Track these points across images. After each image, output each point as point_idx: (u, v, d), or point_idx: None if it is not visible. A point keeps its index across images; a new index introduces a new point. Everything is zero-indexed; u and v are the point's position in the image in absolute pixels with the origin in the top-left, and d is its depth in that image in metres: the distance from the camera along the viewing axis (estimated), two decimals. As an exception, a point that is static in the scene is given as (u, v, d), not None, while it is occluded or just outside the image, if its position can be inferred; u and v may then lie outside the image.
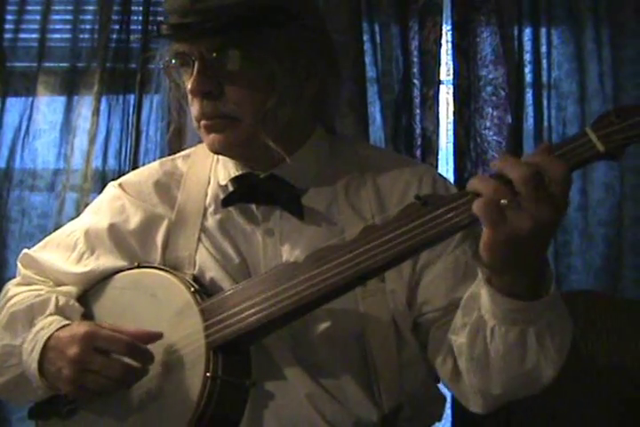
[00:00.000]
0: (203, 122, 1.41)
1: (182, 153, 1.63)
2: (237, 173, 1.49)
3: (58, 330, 1.34)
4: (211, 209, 1.50)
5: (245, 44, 1.35)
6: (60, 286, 1.52)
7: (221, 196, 1.50)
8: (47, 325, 1.37)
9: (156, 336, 1.33)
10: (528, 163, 1.07)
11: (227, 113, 1.38)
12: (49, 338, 1.34)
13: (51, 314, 1.41)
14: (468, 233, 1.38)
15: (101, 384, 1.29)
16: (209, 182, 1.54)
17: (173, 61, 1.41)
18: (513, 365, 1.26)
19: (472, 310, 1.28)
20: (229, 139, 1.41)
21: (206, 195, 1.52)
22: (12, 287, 1.55)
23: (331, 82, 1.47)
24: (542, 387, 1.31)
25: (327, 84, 1.46)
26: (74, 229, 1.56)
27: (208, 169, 1.55)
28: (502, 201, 1.06)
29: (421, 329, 1.45)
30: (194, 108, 1.41)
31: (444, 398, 1.59)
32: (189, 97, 1.42)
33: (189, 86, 1.38)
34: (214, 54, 1.36)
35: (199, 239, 1.47)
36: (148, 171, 1.61)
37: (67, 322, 1.37)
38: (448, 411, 2.19)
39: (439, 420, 1.57)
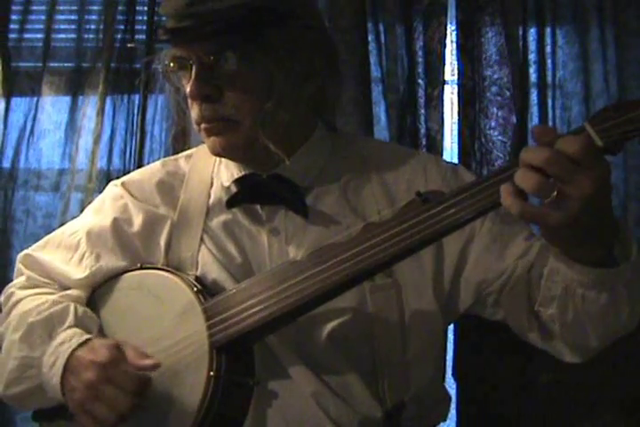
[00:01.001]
0: (203, 125, 1.41)
1: (185, 153, 1.63)
2: (240, 174, 1.49)
3: (80, 346, 1.34)
4: (214, 210, 1.50)
5: (242, 47, 1.35)
6: (64, 288, 1.51)
7: (225, 197, 1.50)
8: (68, 339, 1.37)
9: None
10: (542, 147, 1.07)
11: (226, 116, 1.38)
12: (70, 355, 1.33)
13: (70, 326, 1.41)
14: None
15: (104, 415, 1.28)
16: (212, 183, 1.54)
17: (172, 65, 1.41)
18: (608, 321, 1.28)
19: (555, 283, 1.28)
20: (230, 141, 1.41)
21: (209, 196, 1.52)
22: (16, 291, 1.54)
23: (330, 81, 1.47)
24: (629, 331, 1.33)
25: (327, 83, 1.46)
26: (76, 230, 1.56)
27: (210, 169, 1.55)
28: (545, 200, 1.06)
29: (489, 304, 1.48)
30: (193, 111, 1.41)
31: (450, 398, 1.60)
32: (189, 100, 1.42)
33: (188, 90, 1.38)
34: (211, 58, 1.35)
35: (202, 240, 1.47)
36: (151, 170, 1.61)
37: (87, 336, 1.37)
38: (453, 411, 2.19)
39: (444, 420, 1.57)
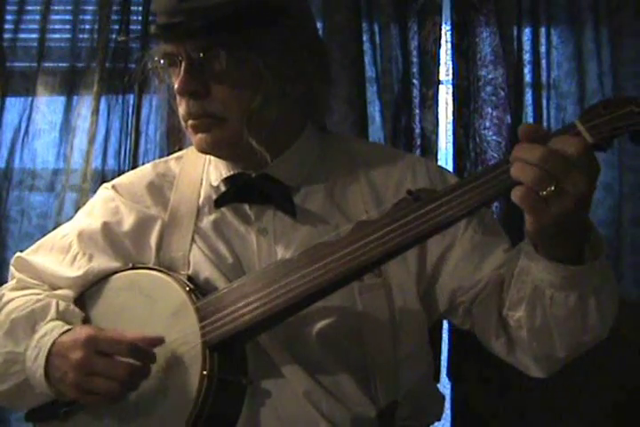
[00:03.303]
0: (190, 122, 1.42)
1: (175, 155, 1.64)
2: (229, 174, 1.50)
3: (60, 335, 1.34)
4: (204, 210, 1.51)
5: (232, 44, 1.36)
6: (55, 289, 1.51)
7: (214, 196, 1.50)
8: (49, 330, 1.37)
9: (157, 341, 1.33)
10: (539, 146, 1.08)
11: (213, 112, 1.39)
12: (52, 344, 1.33)
13: (52, 319, 1.41)
14: None
15: (106, 386, 1.28)
16: (201, 183, 1.54)
17: (162, 62, 1.42)
18: (576, 327, 1.28)
19: (525, 283, 1.29)
20: (216, 138, 1.42)
21: (199, 196, 1.53)
22: (6, 292, 1.54)
23: (320, 82, 1.47)
24: (599, 340, 1.34)
25: (316, 84, 1.46)
26: (67, 232, 1.56)
27: (200, 170, 1.56)
28: (542, 193, 1.07)
29: (460, 312, 1.49)
30: (181, 107, 1.42)
31: (443, 398, 1.60)
32: (177, 97, 1.42)
33: (176, 86, 1.39)
34: (201, 54, 1.36)
35: (193, 240, 1.48)
36: (141, 173, 1.62)
37: (68, 327, 1.37)
38: (448, 411, 2.19)
39: (438, 419, 1.58)
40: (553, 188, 1.06)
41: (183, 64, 1.38)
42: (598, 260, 1.21)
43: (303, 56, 1.41)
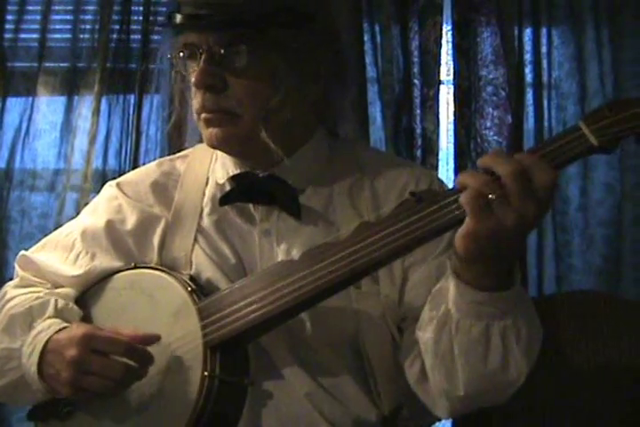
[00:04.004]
0: (203, 115, 1.42)
1: (180, 153, 1.64)
2: (236, 172, 1.49)
3: (56, 333, 1.34)
4: (207, 209, 1.50)
5: (254, 41, 1.36)
6: (58, 287, 1.51)
7: (219, 195, 1.50)
8: (46, 327, 1.37)
9: (154, 338, 1.33)
10: (517, 160, 1.09)
11: (227, 108, 1.39)
12: (47, 341, 1.33)
13: (49, 317, 1.41)
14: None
15: (100, 385, 1.28)
16: (207, 182, 1.54)
17: (181, 54, 1.42)
18: (475, 363, 1.25)
19: (440, 303, 1.27)
20: (228, 134, 1.41)
21: (204, 195, 1.52)
22: (9, 289, 1.55)
23: (336, 87, 1.48)
24: (508, 392, 1.29)
25: (332, 89, 1.47)
26: (71, 230, 1.56)
27: (206, 169, 1.55)
28: (490, 196, 1.08)
29: (401, 332, 1.44)
30: (196, 100, 1.42)
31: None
32: (193, 89, 1.42)
33: (194, 78, 1.39)
34: (222, 49, 1.36)
35: (195, 240, 1.47)
36: (146, 171, 1.61)
37: (65, 324, 1.37)
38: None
39: (439, 419, 1.57)
40: (494, 196, 1.07)
41: (203, 56, 1.37)
42: (510, 291, 1.19)
43: (323, 60, 1.42)
